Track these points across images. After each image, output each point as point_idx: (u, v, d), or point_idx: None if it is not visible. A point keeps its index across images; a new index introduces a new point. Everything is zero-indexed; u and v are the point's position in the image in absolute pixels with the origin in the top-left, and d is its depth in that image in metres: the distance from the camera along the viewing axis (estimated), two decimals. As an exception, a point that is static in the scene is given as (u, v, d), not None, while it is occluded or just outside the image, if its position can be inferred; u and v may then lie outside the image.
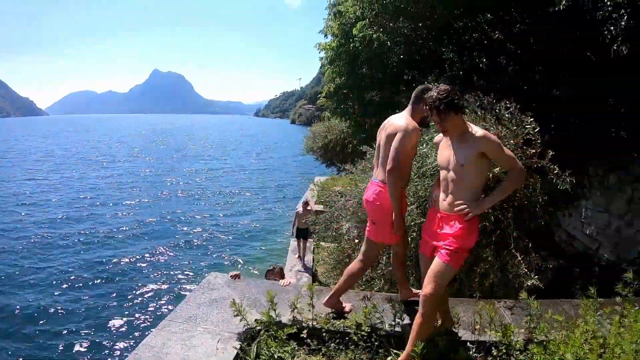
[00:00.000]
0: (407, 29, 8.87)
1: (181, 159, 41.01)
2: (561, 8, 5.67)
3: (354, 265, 3.12)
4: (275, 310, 2.96)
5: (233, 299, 3.03)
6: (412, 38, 8.87)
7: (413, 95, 2.84)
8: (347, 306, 3.21)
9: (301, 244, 8.62)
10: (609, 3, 5.31)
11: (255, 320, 3.05)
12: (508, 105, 3.78)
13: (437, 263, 2.51)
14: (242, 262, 12.28)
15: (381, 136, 2.90)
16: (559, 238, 6.55)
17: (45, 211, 17.92)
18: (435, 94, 2.40)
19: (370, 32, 8.98)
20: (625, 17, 5.20)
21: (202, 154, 47.50)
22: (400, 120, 2.80)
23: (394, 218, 2.80)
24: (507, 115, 3.70)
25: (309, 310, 3.11)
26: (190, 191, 23.54)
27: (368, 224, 3.04)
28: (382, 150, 2.86)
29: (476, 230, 2.57)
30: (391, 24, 8.90)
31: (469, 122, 2.55)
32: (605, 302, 3.68)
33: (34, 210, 18.04)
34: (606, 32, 5.33)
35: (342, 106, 11.52)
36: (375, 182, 2.92)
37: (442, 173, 2.61)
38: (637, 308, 3.06)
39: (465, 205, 2.50)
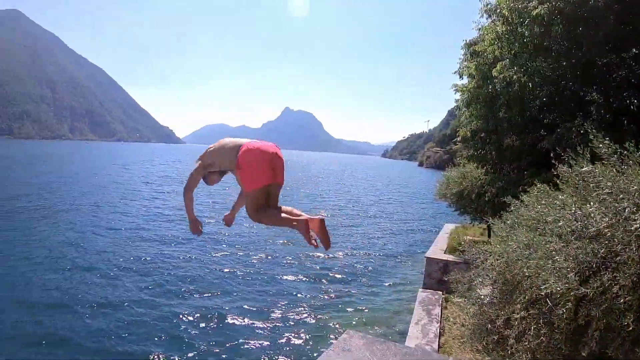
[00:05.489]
0: (547, 68, 8.19)
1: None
2: None
3: None
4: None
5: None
6: (553, 78, 8.03)
7: None
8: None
9: None
10: None
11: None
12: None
13: None
14: (365, 310, 11.31)
15: None
16: None
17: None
18: None
19: (510, 73, 8.34)
20: None
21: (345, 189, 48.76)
22: None
23: None
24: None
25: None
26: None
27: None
28: None
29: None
30: (531, 64, 8.30)
31: None
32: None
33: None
34: None
35: (478, 151, 10.63)
36: None
37: None
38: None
39: None
